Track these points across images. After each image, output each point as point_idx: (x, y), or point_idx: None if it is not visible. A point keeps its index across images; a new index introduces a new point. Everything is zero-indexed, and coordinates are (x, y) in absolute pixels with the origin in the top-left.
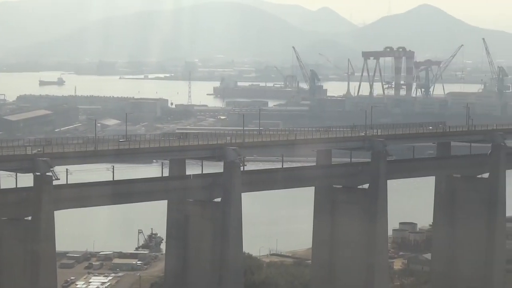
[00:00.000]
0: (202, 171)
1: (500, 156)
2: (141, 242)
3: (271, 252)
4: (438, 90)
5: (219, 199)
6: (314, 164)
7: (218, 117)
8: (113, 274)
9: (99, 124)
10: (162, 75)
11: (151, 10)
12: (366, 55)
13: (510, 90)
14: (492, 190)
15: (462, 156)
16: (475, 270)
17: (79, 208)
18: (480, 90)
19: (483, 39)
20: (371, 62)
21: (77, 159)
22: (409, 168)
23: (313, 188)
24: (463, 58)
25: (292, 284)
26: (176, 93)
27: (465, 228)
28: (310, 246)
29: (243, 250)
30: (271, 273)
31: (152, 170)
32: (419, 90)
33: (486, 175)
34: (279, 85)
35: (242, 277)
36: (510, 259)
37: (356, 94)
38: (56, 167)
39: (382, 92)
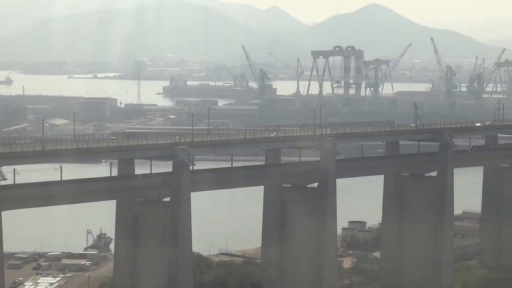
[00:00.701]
0: (151, 171)
1: (448, 155)
2: (90, 242)
3: (221, 252)
4: (387, 89)
5: (168, 199)
6: (263, 163)
7: (168, 116)
8: (61, 275)
9: (47, 124)
10: (111, 74)
11: (100, 9)
12: (315, 54)
13: (458, 89)
14: (440, 188)
15: (411, 155)
16: (424, 268)
17: (27, 209)
18: (429, 89)
19: (431, 38)
20: (321, 61)
21: (25, 159)
22: (358, 167)
23: (262, 187)
24: (411, 57)
25: (241, 283)
26: (126, 92)
27: (414, 227)
28: (260, 245)
29: (193, 250)
30: (220, 273)
31: (100, 170)
32: (368, 89)
33: (434, 173)
34: (229, 84)
35: (191, 277)
36: (458, 257)
37: (305, 93)
38: (3, 167)
39: (331, 91)
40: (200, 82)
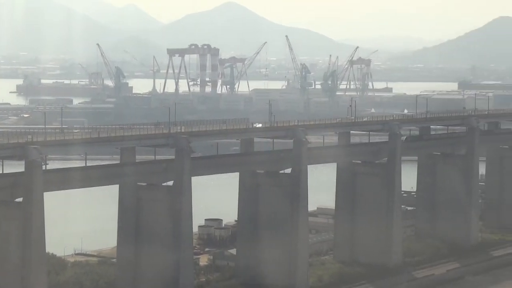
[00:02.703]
0: (2, 171)
1: (301, 152)
2: None
3: (76, 252)
4: (243, 87)
5: (21, 199)
6: (119, 162)
7: (21, 115)
8: None
9: None
10: None
11: None
12: (171, 52)
13: (313, 87)
14: (294, 185)
15: (265, 152)
16: (279, 264)
17: None
18: (284, 87)
19: (286, 36)
20: (177, 59)
21: None
22: (214, 164)
23: (117, 186)
24: (267, 55)
25: (97, 283)
26: None
27: (269, 223)
28: (116, 244)
29: (47, 250)
30: (76, 273)
31: None
32: (224, 87)
33: (288, 170)
34: (84, 83)
35: (45, 278)
36: (313, 252)
37: (161, 91)
38: None
39: (187, 89)
40: (54, 81)
